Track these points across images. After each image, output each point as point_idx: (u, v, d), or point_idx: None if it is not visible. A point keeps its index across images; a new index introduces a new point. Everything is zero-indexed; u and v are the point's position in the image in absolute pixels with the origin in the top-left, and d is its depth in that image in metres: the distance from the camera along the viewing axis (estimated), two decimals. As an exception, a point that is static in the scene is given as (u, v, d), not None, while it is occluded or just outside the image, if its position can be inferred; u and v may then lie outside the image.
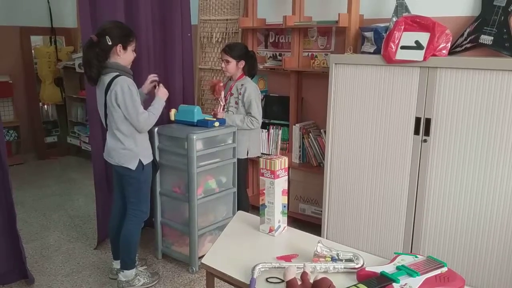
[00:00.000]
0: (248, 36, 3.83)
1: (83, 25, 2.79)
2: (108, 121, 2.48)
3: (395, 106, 2.59)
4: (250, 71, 3.11)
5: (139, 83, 2.78)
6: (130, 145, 2.47)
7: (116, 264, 2.76)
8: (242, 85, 3.03)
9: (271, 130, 3.70)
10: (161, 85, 2.67)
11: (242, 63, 3.04)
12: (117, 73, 2.38)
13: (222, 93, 3.01)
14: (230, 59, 3.01)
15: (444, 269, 1.36)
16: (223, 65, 3.05)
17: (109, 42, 2.37)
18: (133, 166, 2.48)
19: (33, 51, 5.47)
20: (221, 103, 3.01)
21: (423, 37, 2.44)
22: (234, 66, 3.02)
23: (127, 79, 2.39)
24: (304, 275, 1.35)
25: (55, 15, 5.54)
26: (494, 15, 2.59)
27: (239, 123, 2.99)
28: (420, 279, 1.30)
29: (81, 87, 5.36)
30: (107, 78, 2.38)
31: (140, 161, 2.50)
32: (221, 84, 3.02)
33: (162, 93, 2.63)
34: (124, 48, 2.43)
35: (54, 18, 5.53)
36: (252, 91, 3.01)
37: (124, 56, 2.45)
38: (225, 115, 3.01)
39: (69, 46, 5.67)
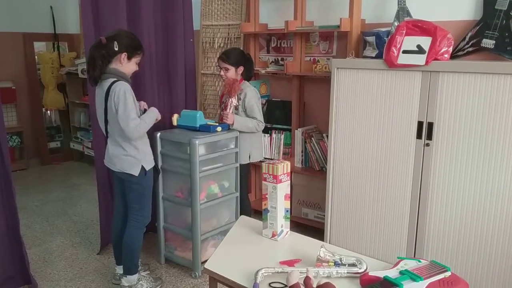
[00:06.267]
0: (250, 41, 3.84)
1: (86, 31, 2.81)
2: (109, 128, 2.48)
3: (397, 110, 2.59)
4: (247, 74, 3.09)
5: (140, 89, 2.79)
6: (132, 152, 2.47)
7: (119, 269, 2.76)
8: (241, 90, 3.02)
9: (274, 135, 3.70)
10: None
11: (241, 69, 3.02)
12: (115, 79, 2.39)
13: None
14: (228, 66, 2.98)
15: (448, 274, 1.36)
16: (222, 73, 3.02)
17: (115, 47, 2.38)
18: (135, 172, 2.48)
19: (36, 57, 5.49)
20: (233, 103, 2.95)
21: (425, 41, 2.44)
22: (233, 73, 3.00)
23: (125, 84, 2.39)
24: (307, 280, 1.35)
25: (58, 21, 5.57)
26: (496, 19, 2.59)
27: (250, 125, 2.98)
28: (424, 283, 1.30)
29: (84, 92, 5.38)
30: (105, 84, 2.39)
31: (142, 167, 2.50)
32: (238, 83, 2.98)
33: (156, 110, 2.60)
34: (129, 58, 2.44)
35: (57, 24, 5.56)
36: (252, 96, 3.01)
37: (126, 66, 2.45)
38: (235, 117, 2.94)
39: (72, 52, 5.70)
